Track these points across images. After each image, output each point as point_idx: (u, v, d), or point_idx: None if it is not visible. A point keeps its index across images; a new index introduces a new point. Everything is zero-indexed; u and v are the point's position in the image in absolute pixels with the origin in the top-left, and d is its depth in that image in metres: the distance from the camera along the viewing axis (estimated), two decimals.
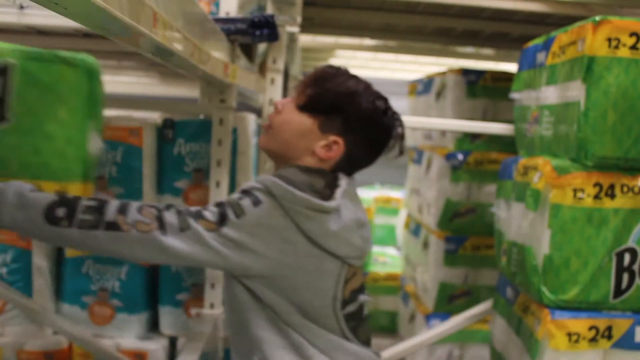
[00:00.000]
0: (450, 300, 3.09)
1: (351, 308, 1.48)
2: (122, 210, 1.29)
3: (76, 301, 2.25)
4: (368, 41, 3.99)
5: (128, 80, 3.76)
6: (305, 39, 3.97)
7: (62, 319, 2.18)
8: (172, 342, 2.32)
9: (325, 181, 1.44)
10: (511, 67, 3.63)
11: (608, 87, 1.83)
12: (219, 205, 1.37)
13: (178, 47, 1.18)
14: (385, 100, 1.54)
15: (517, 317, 2.13)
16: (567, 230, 1.88)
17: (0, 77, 1.29)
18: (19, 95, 1.30)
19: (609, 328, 1.88)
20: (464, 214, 3.05)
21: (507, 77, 2.97)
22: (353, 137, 1.48)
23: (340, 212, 1.41)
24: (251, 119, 2.32)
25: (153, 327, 2.33)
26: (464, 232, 3.06)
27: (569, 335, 1.86)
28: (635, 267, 1.89)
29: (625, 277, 1.90)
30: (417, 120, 3.20)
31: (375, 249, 4.31)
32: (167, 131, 2.19)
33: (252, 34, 1.85)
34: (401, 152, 1.56)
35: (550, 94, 2.07)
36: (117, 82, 3.88)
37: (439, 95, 3.26)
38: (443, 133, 3.22)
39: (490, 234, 2.56)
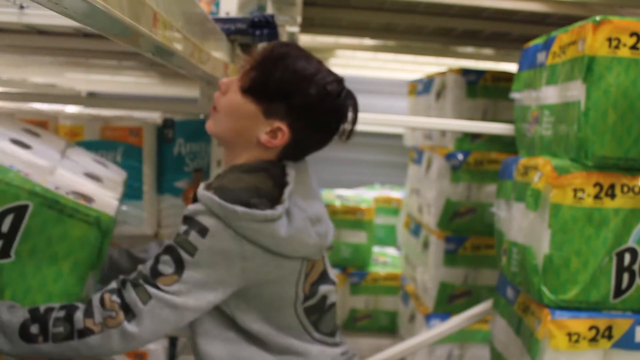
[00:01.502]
0: (450, 300, 3.09)
1: (312, 302, 1.44)
2: (88, 313, 1.30)
3: None
4: (368, 41, 3.99)
5: (128, 80, 3.76)
6: (305, 39, 3.97)
7: None
8: (172, 342, 2.32)
9: (273, 180, 1.38)
10: (511, 67, 3.63)
11: (608, 87, 1.83)
12: (169, 250, 1.32)
13: (178, 47, 1.18)
14: (339, 81, 1.43)
15: (517, 317, 2.13)
16: (567, 230, 1.88)
17: (15, 215, 1.30)
18: (26, 237, 1.31)
19: (609, 328, 1.88)
20: (464, 214, 3.05)
21: (507, 77, 2.97)
22: (300, 123, 1.40)
23: (290, 213, 1.35)
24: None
25: None
26: (464, 232, 3.06)
27: (569, 335, 1.86)
28: (636, 267, 1.89)
29: (626, 277, 1.90)
30: (417, 120, 3.21)
31: (375, 249, 4.31)
32: (167, 131, 2.19)
33: (252, 34, 1.85)
34: (349, 135, 1.47)
35: (550, 94, 2.07)
36: (117, 82, 3.88)
37: (439, 95, 3.26)
38: (443, 133, 3.22)
39: (490, 234, 2.56)
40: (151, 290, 1.30)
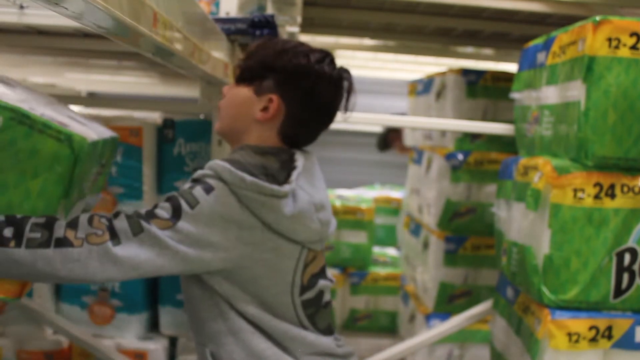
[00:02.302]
0: (450, 300, 3.09)
1: (310, 294, 1.43)
2: (72, 224, 1.23)
3: (76, 301, 2.25)
4: (368, 41, 3.99)
5: (128, 80, 3.76)
6: (305, 39, 3.96)
7: (62, 319, 2.18)
8: (172, 342, 2.32)
9: (280, 163, 1.40)
10: (511, 67, 3.63)
11: (608, 87, 1.83)
12: (171, 198, 1.31)
13: (178, 47, 1.18)
14: (324, 52, 1.47)
15: (517, 317, 2.13)
16: (567, 230, 1.88)
17: None
18: None
19: (609, 328, 1.88)
20: (464, 214, 3.05)
21: (507, 77, 2.97)
22: (290, 94, 1.43)
23: (296, 195, 1.36)
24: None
25: (153, 327, 2.33)
26: (464, 232, 3.06)
27: (569, 335, 1.86)
28: (636, 267, 1.89)
29: (626, 277, 1.90)
30: (417, 120, 3.20)
31: (375, 249, 4.31)
32: (167, 131, 2.19)
33: (252, 34, 1.85)
34: (346, 107, 1.50)
35: (550, 94, 2.07)
36: (117, 82, 3.88)
37: (439, 95, 3.26)
38: (443, 133, 3.22)
39: (490, 234, 2.56)
40: (144, 224, 1.26)
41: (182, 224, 1.28)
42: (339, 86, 1.48)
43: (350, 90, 1.50)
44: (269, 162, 1.38)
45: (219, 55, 1.65)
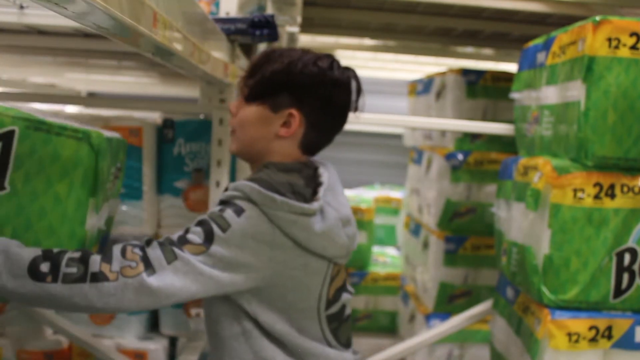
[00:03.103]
0: (450, 300, 3.09)
1: (334, 309, 1.45)
2: (107, 258, 1.23)
3: None
4: (368, 41, 3.99)
5: (128, 80, 3.76)
6: (305, 39, 3.96)
7: (62, 319, 2.18)
8: (172, 342, 2.32)
9: (305, 179, 1.40)
10: (511, 67, 3.63)
11: (608, 87, 1.83)
12: (202, 223, 1.31)
13: (178, 47, 1.18)
14: (329, 56, 1.48)
15: (517, 317, 2.13)
16: (567, 230, 1.88)
17: (3, 142, 1.24)
18: (18, 164, 1.24)
19: (609, 328, 1.88)
20: (464, 214, 3.05)
21: (507, 77, 2.97)
22: (307, 104, 1.43)
23: (324, 211, 1.37)
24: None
25: (153, 327, 2.33)
26: (464, 232, 3.06)
27: (569, 335, 1.86)
28: (636, 267, 1.89)
29: (625, 277, 1.90)
30: (417, 120, 3.20)
31: (375, 249, 4.31)
32: (167, 131, 2.19)
33: (252, 34, 1.85)
34: (357, 107, 1.51)
35: (550, 94, 2.07)
36: (117, 82, 3.88)
37: (439, 95, 3.26)
38: (443, 133, 3.22)
39: (490, 234, 2.56)
40: (178, 251, 1.26)
41: (215, 248, 1.28)
42: (349, 87, 1.49)
43: (359, 90, 1.51)
44: (295, 179, 1.39)
45: (219, 55, 1.65)
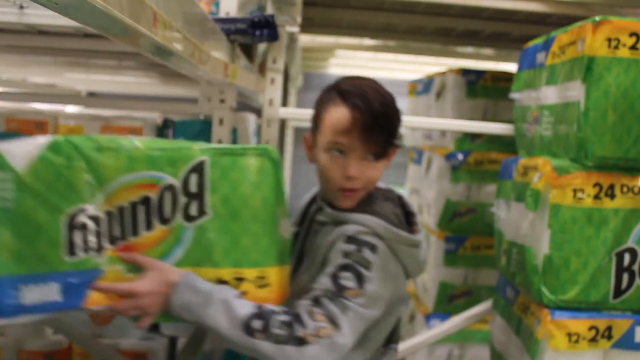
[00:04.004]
0: (450, 300, 3.09)
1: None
2: (302, 322, 1.31)
3: None
4: (368, 41, 3.99)
5: (128, 80, 3.76)
6: (305, 39, 3.97)
7: (62, 319, 2.18)
8: (172, 342, 2.32)
9: (399, 208, 1.47)
10: (511, 67, 3.63)
11: (608, 87, 1.83)
12: (347, 267, 1.35)
13: (178, 47, 1.18)
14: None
15: (517, 317, 2.13)
16: (567, 230, 1.88)
17: (196, 174, 1.36)
18: (214, 189, 1.37)
19: (609, 328, 1.88)
20: (464, 214, 3.05)
21: (507, 77, 2.97)
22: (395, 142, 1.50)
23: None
24: (251, 119, 2.32)
25: (153, 327, 2.33)
26: (464, 232, 3.06)
27: (569, 335, 1.86)
28: (635, 267, 1.89)
29: (625, 277, 1.90)
30: (417, 120, 3.20)
31: None
32: (167, 131, 2.19)
33: (252, 34, 1.85)
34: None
35: (550, 94, 2.07)
36: (117, 82, 3.88)
37: (439, 95, 3.26)
38: (443, 133, 3.22)
39: (490, 234, 2.56)
40: (346, 302, 1.32)
41: (368, 287, 1.34)
42: None
43: None
44: (395, 209, 1.46)
45: (219, 55, 1.65)
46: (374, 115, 1.39)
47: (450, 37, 3.53)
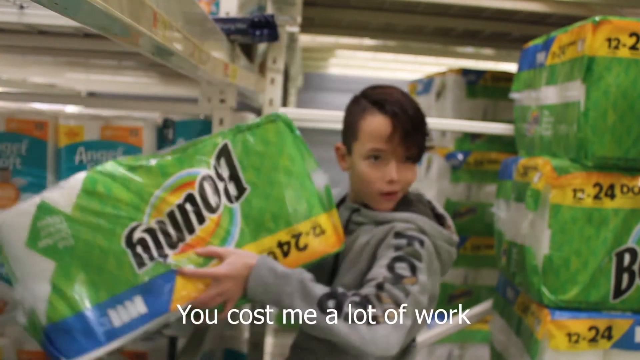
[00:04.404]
0: (450, 300, 3.09)
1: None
2: (371, 302, 1.36)
3: None
4: (368, 41, 3.99)
5: (128, 80, 3.76)
6: (305, 39, 3.97)
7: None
8: (172, 342, 2.32)
9: (424, 207, 1.57)
10: (511, 67, 3.63)
11: (608, 87, 1.83)
12: (399, 259, 1.42)
13: (178, 47, 1.18)
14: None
15: (517, 317, 2.13)
16: (567, 231, 1.88)
17: (224, 158, 1.48)
18: (244, 165, 1.49)
19: (609, 328, 1.88)
20: (464, 214, 3.05)
21: (507, 77, 2.97)
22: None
23: None
24: (251, 119, 2.32)
25: None
26: (464, 232, 3.06)
27: (569, 335, 1.86)
28: (635, 267, 1.89)
29: (625, 277, 1.90)
30: None
31: None
32: (167, 131, 2.19)
33: (252, 34, 1.85)
34: None
35: (550, 94, 2.07)
36: (117, 82, 3.88)
37: (439, 95, 3.26)
38: (443, 133, 3.22)
39: (490, 234, 2.56)
40: (408, 287, 1.39)
41: (420, 277, 1.42)
42: None
43: None
44: (427, 210, 1.56)
45: (219, 55, 1.65)
46: (411, 121, 1.49)
47: (450, 37, 3.53)
